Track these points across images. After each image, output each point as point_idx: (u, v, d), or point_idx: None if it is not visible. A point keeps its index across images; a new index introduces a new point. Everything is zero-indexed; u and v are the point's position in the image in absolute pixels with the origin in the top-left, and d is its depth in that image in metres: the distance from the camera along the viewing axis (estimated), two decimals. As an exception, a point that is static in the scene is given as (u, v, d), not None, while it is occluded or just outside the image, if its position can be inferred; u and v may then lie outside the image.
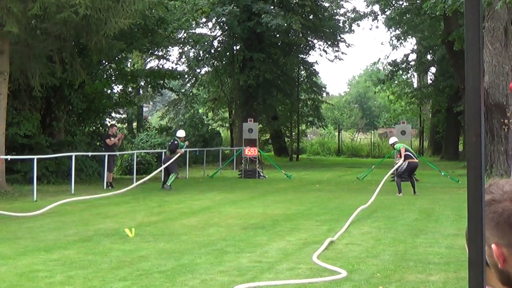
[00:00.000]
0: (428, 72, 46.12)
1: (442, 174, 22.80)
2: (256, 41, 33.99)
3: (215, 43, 36.28)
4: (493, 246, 1.27)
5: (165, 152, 20.70)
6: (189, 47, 34.20)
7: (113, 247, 9.23)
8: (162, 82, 28.56)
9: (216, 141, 35.68)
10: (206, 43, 33.62)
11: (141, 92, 35.31)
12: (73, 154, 18.34)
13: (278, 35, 35.48)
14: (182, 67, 35.01)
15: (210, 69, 37.84)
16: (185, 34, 29.41)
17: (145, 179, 18.17)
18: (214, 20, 33.89)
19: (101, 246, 9.28)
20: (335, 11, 39.09)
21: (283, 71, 38.25)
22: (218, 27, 35.75)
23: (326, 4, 38.52)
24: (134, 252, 8.81)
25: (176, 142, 19.95)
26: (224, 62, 37.26)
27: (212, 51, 35.73)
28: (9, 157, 17.17)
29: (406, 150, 17.79)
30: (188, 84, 37.85)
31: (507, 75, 20.97)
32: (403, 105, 47.41)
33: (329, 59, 64.97)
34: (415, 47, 43.25)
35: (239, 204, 15.27)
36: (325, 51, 40.18)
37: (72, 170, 17.75)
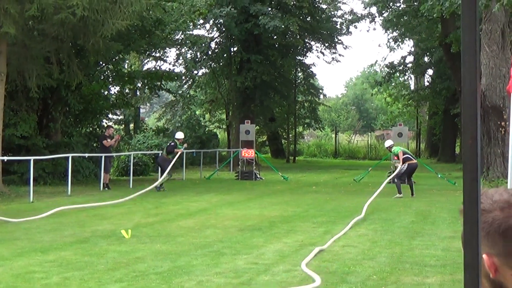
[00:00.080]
0: (425, 74, 46.13)
1: (439, 176, 22.79)
2: (254, 42, 33.99)
3: (213, 45, 36.32)
4: (484, 256, 1.26)
5: (161, 153, 20.67)
6: (186, 49, 34.23)
7: (109, 248, 9.22)
8: (159, 83, 28.58)
9: (213, 143, 35.65)
10: (203, 45, 33.63)
11: (138, 93, 35.26)
12: (70, 155, 18.36)
13: (275, 37, 35.47)
14: (179, 69, 35.09)
15: (207, 70, 37.83)
16: (182, 36, 29.42)
17: (151, 186, 17.33)
18: (211, 21, 33.91)
19: (98, 248, 9.27)
20: (332, 13, 39.09)
21: (280, 73, 38.27)
22: (215, 28, 35.77)
23: (324, 6, 38.54)
24: (131, 254, 8.80)
25: (173, 144, 19.95)
26: (221, 64, 37.27)
27: (210, 52, 35.74)
28: (5, 158, 17.16)
29: (404, 153, 17.79)
30: (185, 86, 37.86)
31: (504, 77, 20.95)
32: (400, 107, 47.41)
33: (326, 61, 65.27)
34: (412, 49, 43.25)
35: (236, 206, 15.25)
36: (322, 53, 40.25)
37: (69, 171, 17.73)
